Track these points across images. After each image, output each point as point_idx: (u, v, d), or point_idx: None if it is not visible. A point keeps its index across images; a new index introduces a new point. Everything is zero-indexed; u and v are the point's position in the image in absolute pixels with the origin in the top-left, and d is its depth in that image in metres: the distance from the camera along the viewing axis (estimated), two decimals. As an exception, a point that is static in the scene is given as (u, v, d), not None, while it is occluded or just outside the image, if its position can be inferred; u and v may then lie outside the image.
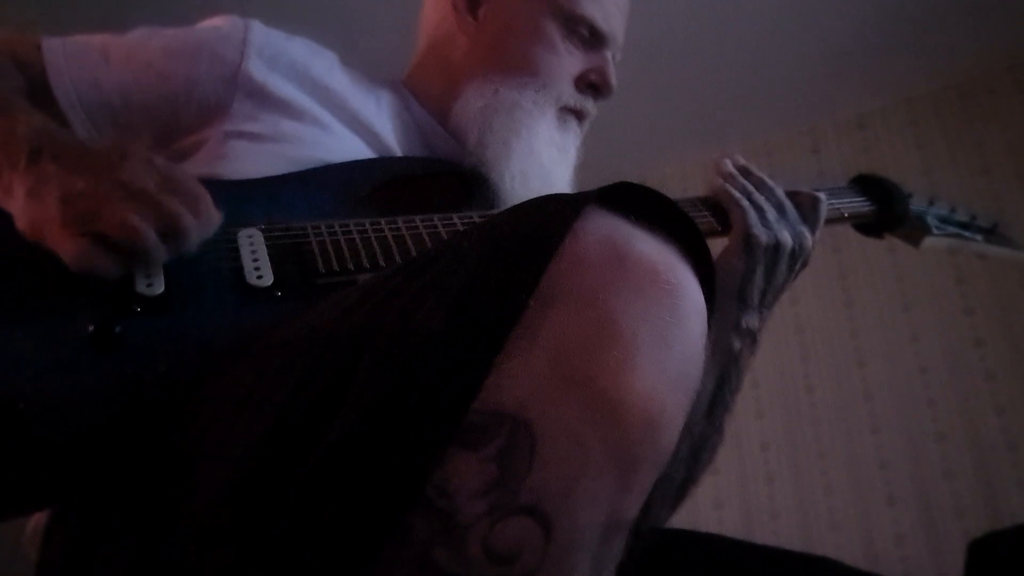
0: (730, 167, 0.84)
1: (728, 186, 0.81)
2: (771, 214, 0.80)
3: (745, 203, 0.79)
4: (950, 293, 2.53)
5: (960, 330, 2.49)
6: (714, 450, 0.78)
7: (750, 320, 0.80)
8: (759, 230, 0.78)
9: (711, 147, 3.08)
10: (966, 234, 1.01)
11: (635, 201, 0.42)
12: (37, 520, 0.62)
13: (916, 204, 0.98)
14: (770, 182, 0.83)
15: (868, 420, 2.53)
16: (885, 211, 0.95)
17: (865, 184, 0.97)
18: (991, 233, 1.04)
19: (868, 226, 0.98)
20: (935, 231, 0.98)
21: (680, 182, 3.09)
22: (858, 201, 0.95)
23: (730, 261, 0.79)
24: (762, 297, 0.80)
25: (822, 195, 0.85)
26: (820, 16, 2.49)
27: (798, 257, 0.80)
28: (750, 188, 0.81)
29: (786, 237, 0.79)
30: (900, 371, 2.53)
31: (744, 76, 2.74)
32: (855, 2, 2.44)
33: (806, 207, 0.83)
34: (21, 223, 0.56)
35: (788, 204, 0.82)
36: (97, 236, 0.53)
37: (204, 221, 0.57)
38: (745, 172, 0.83)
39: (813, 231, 0.82)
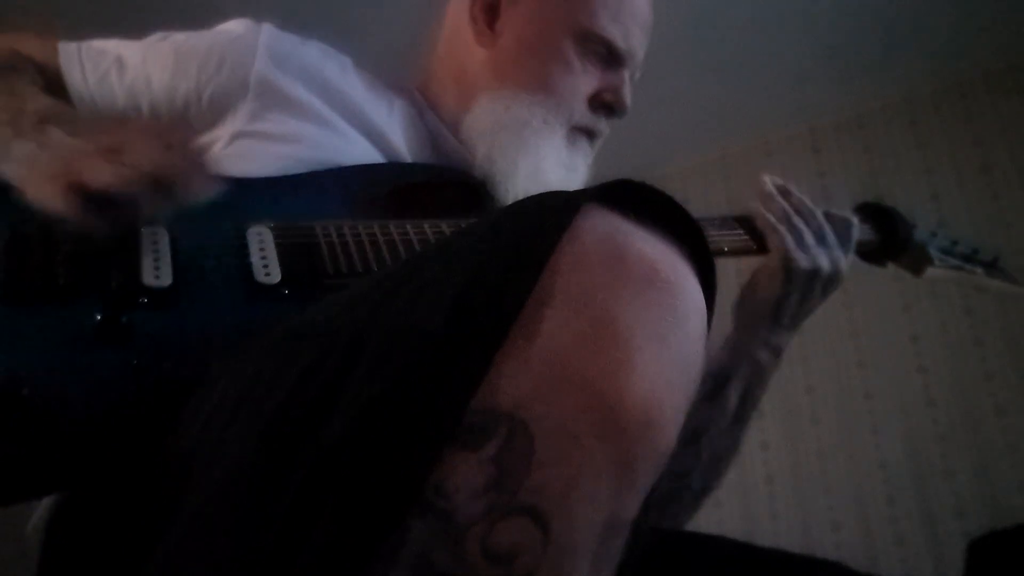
0: (769, 187, 0.84)
1: (764, 209, 0.82)
2: (810, 238, 0.80)
3: (782, 228, 0.80)
4: (950, 294, 2.53)
5: (960, 330, 2.49)
6: (729, 462, 0.79)
7: (779, 339, 0.82)
8: (799, 255, 0.79)
9: (711, 148, 3.09)
10: (967, 266, 1.04)
11: (635, 199, 0.42)
12: (39, 517, 0.62)
13: (919, 234, 1.00)
14: (810, 204, 0.83)
15: (868, 420, 2.53)
16: (889, 240, 0.96)
17: (870, 212, 0.98)
18: (992, 267, 1.06)
19: (871, 254, 0.99)
20: (937, 262, 1.00)
21: (680, 182, 3.08)
22: (862, 228, 0.95)
23: (768, 282, 0.80)
24: (793, 319, 0.82)
25: (854, 219, 0.85)
26: (820, 16, 2.49)
27: (833, 281, 0.82)
28: (789, 211, 0.82)
29: (824, 262, 0.80)
30: (900, 371, 2.53)
31: (744, 76, 2.74)
32: (855, 2, 2.44)
33: (839, 230, 0.84)
34: (16, 178, 0.56)
35: (828, 228, 0.82)
36: (81, 189, 0.52)
37: (199, 178, 0.56)
38: (785, 194, 0.84)
39: (846, 255, 0.83)
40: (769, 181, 0.85)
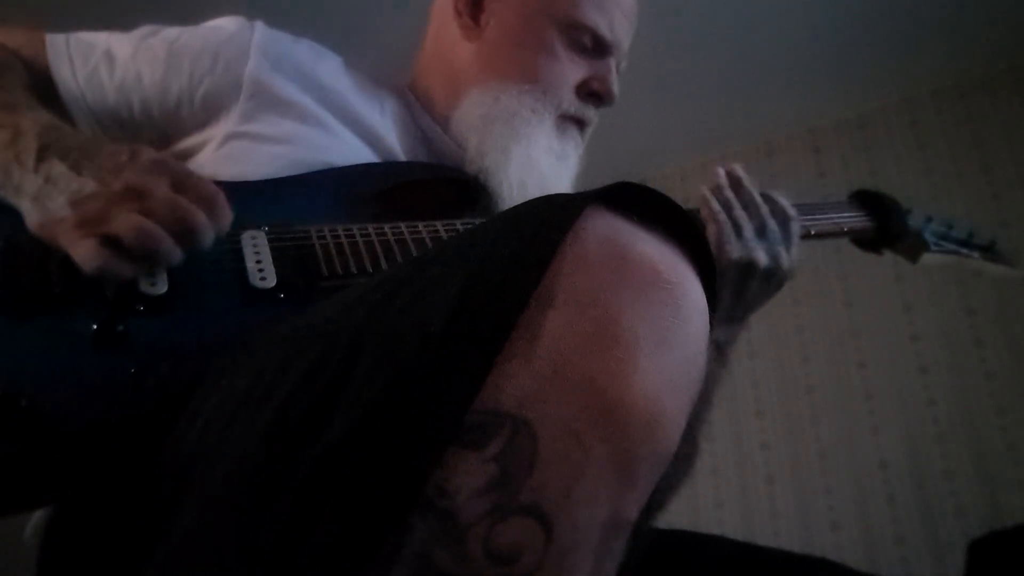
0: (721, 178, 0.83)
1: (710, 198, 0.81)
2: (748, 231, 0.79)
3: (722, 217, 0.79)
4: (950, 293, 2.53)
5: (960, 330, 2.49)
6: (689, 463, 0.78)
7: (715, 332, 0.80)
8: (731, 246, 0.78)
9: (711, 148, 3.09)
10: (963, 251, 1.03)
11: (636, 201, 0.42)
12: (39, 518, 0.62)
13: (914, 220, 0.99)
14: (757, 199, 0.82)
15: (868, 420, 2.53)
16: (884, 227, 0.96)
17: (864, 199, 0.98)
18: (988, 250, 1.05)
19: (867, 241, 0.99)
20: (933, 247, 0.99)
21: (680, 182, 3.09)
22: (857, 216, 0.95)
23: None
24: (730, 311, 0.80)
25: (792, 212, 0.84)
26: (820, 16, 2.49)
27: (771, 276, 0.80)
28: (733, 203, 0.81)
29: (760, 256, 0.78)
30: (900, 371, 2.53)
31: (744, 76, 2.74)
32: (855, 2, 2.44)
33: (780, 223, 0.82)
34: (31, 223, 0.56)
35: (771, 224, 0.81)
36: (109, 239, 0.52)
37: (218, 220, 0.57)
38: (736, 185, 0.83)
39: (788, 248, 0.81)
40: (722, 172, 0.84)
